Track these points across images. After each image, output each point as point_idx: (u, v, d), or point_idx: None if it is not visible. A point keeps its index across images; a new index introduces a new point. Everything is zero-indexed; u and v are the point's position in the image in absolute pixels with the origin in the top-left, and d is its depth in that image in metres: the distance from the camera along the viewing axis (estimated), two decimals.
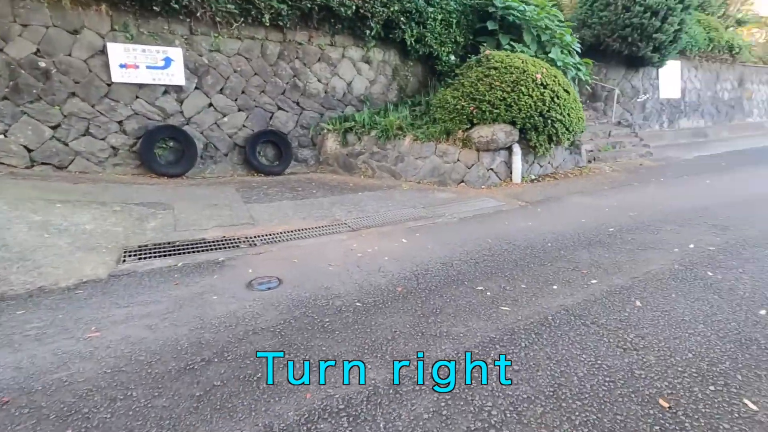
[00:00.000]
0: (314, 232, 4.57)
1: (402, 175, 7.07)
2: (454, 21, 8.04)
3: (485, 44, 7.78)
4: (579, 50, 8.45)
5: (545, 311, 2.84)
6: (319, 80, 7.61)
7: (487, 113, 6.61)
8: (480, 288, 3.20)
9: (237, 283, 3.31)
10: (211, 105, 6.75)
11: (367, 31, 7.48)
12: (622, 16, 9.70)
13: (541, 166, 7.41)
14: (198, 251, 3.95)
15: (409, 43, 7.76)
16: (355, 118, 7.54)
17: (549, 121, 6.73)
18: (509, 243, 4.20)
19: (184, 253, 3.89)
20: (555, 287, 3.20)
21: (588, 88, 10.30)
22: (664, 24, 9.60)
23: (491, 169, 6.78)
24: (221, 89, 6.79)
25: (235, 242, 4.20)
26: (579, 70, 8.12)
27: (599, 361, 2.29)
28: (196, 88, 6.60)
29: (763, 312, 2.80)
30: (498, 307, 2.90)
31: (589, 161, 8.49)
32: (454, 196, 6.16)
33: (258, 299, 3.05)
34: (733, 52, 12.95)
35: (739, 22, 13.52)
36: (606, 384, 2.11)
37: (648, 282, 3.27)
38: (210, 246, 4.08)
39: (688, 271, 3.46)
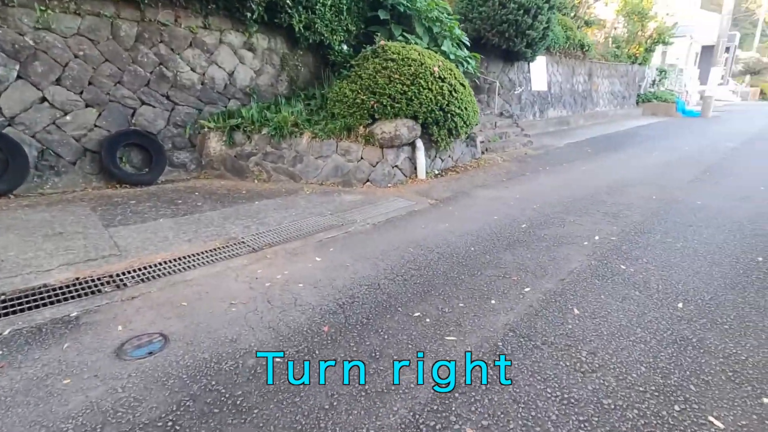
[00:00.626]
0: (205, 259, 3.72)
1: (302, 177, 6.40)
2: (345, 7, 7.51)
3: (378, 34, 7.42)
4: (468, 43, 8.62)
5: (493, 336, 2.57)
6: (193, 69, 6.45)
7: (389, 108, 6.29)
8: (417, 314, 2.82)
9: (101, 352, 2.41)
10: (44, 99, 5.22)
11: (248, 14, 6.54)
12: (499, 12, 10.19)
13: (442, 161, 7.39)
14: (37, 306, 2.86)
15: (297, 29, 7.01)
16: (242, 114, 6.58)
17: (449, 115, 6.68)
18: (432, 251, 3.91)
19: (12, 312, 2.78)
20: (493, 302, 2.98)
21: (475, 81, 10.70)
22: (535, 21, 10.37)
23: (396, 166, 6.50)
24: (58, 79, 5.28)
25: (95, 285, 3.17)
26: (469, 63, 8.28)
27: (566, 394, 2.07)
28: (20, 77, 5.02)
29: (680, 305, 2.92)
30: (443, 338, 2.54)
31: (483, 152, 8.80)
32: (362, 198, 5.73)
33: (135, 374, 2.23)
34: (584, 49, 14.78)
35: (587, 23, 15.51)
36: (584, 427, 1.88)
37: (576, 284, 3.24)
38: (56, 296, 3.00)
39: (605, 267, 3.55)
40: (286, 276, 3.41)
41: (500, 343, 2.49)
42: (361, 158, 6.38)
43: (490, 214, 5.06)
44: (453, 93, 6.70)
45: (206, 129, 6.53)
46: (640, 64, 19.47)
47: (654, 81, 20.75)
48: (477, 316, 2.80)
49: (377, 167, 6.36)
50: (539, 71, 13.20)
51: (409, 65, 6.46)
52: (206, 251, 3.86)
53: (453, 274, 3.42)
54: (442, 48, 7.68)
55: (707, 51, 33.54)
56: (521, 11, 10.13)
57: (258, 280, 3.33)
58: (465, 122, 7.04)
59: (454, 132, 6.93)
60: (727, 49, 33.19)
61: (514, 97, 12.40)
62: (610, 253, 3.82)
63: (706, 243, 4.06)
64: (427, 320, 2.75)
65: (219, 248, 3.94)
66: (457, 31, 8.12)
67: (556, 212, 5.08)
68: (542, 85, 13.45)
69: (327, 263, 3.67)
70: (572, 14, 15.05)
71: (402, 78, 6.36)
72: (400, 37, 7.48)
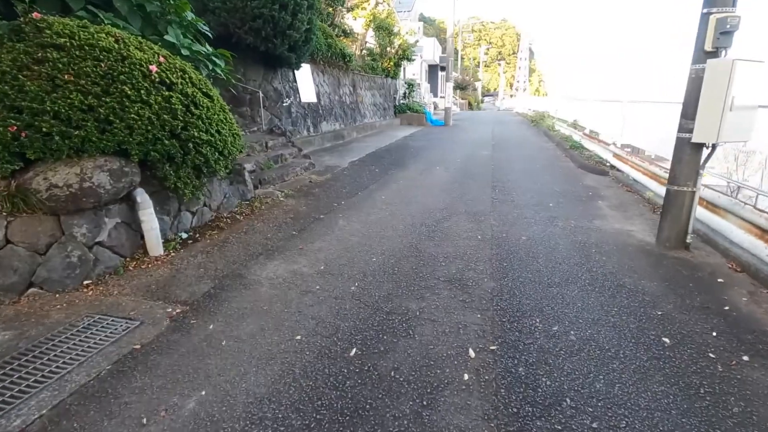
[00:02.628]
0: None
1: None
2: None
3: (28, 1, 4.08)
4: (210, 35, 6.07)
5: None
6: None
7: (58, 138, 3.26)
8: None
9: None
10: None
11: None
12: (249, 4, 8.00)
13: (194, 215, 4.71)
14: None
15: None
16: None
17: (191, 145, 4.08)
18: None
19: None
20: None
21: (231, 90, 8.19)
22: (295, 20, 8.63)
23: (99, 243, 3.52)
24: None
25: None
26: (216, 64, 5.77)
27: None
28: None
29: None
30: None
31: (256, 186, 6.47)
32: (14, 333, 2.60)
33: None
34: (346, 60, 14.18)
35: (345, 33, 15.00)
36: None
37: None
38: None
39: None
40: None
41: None
42: (8, 242, 3.12)
43: (289, 329, 2.84)
44: (192, 108, 4.13)
45: None
46: (392, 77, 20.70)
47: (405, 93, 22.59)
48: None
49: (50, 255, 3.24)
50: (306, 81, 11.68)
51: (98, 59, 3.56)
52: None
53: None
54: (167, 38, 4.93)
55: (432, 69, 40.25)
56: (276, 5, 8.20)
57: None
58: (221, 152, 4.57)
59: (204, 169, 4.37)
60: (443, 68, 40.72)
61: (282, 110, 10.46)
62: (498, 378, 2.20)
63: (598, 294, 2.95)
64: None
65: None
66: (190, 16, 5.48)
67: (389, 296, 3.27)
68: (311, 96, 12.00)
69: None
70: (329, 22, 14.20)
71: (84, 81, 3.41)
72: (81, 13, 4.33)
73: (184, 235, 4.39)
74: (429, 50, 35.25)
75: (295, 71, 10.98)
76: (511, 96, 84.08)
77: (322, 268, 3.80)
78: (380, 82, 19.21)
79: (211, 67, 5.62)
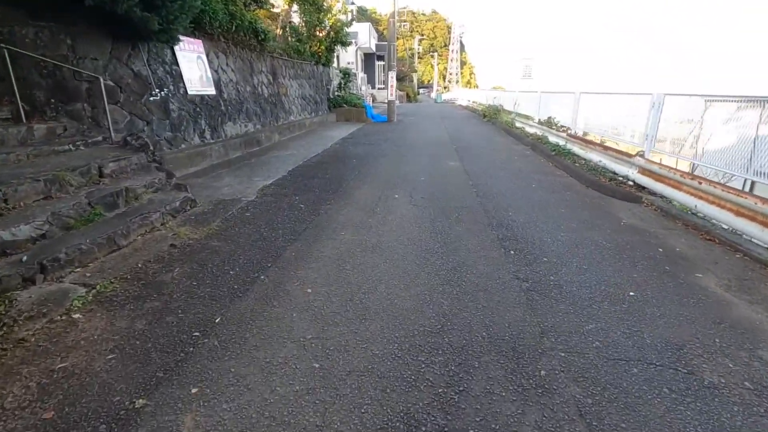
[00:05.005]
0: None
1: None
2: None
3: None
4: None
5: None
6: None
7: None
8: None
9: None
10: None
11: None
12: None
13: None
14: None
15: None
16: None
17: None
18: None
19: None
20: None
21: (46, 71, 4.51)
22: None
23: None
24: None
25: None
26: None
27: None
28: None
29: None
30: None
31: (31, 281, 2.97)
32: None
33: None
34: (260, 38, 10.58)
35: (258, 3, 11.29)
36: None
37: None
38: None
39: None
40: None
41: None
42: None
43: None
44: None
45: None
46: (323, 64, 17.26)
47: (340, 84, 19.23)
48: None
49: None
50: (194, 63, 8.01)
51: None
52: None
53: None
54: None
55: (369, 58, 37.02)
56: None
57: None
58: None
59: None
60: (380, 57, 37.63)
61: (152, 108, 6.77)
62: None
63: None
64: None
65: None
66: None
67: None
68: (205, 86, 8.35)
69: None
70: None
71: None
72: None
73: None
74: (364, 36, 32.01)
75: (174, 48, 7.29)
76: (445, 88, 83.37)
77: None
78: (310, 69, 15.70)
79: None
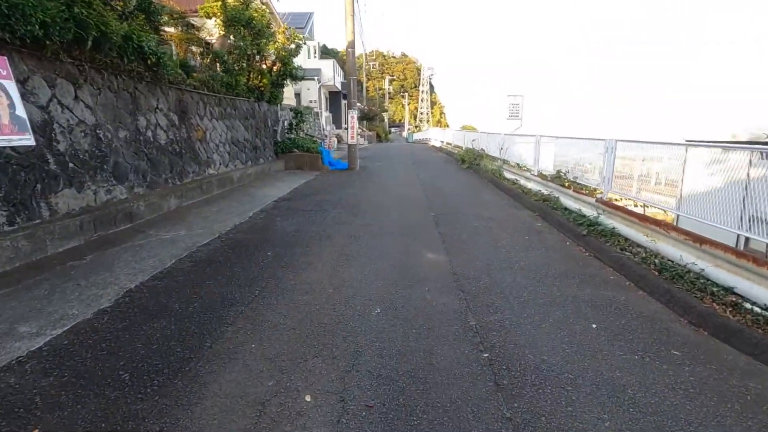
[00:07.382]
0: None
1: None
2: None
3: None
4: None
5: None
6: None
7: None
8: None
9: None
10: None
11: None
12: None
13: None
14: None
15: None
16: None
17: None
18: None
19: None
20: None
21: None
22: None
23: None
24: None
25: None
26: None
27: None
28: None
29: None
30: None
31: None
32: None
33: None
34: (150, 62, 7.30)
35: (151, 17, 7.99)
36: None
37: None
38: None
39: None
40: None
41: None
42: None
43: None
44: None
45: None
46: (269, 101, 14.12)
47: (291, 125, 16.07)
48: None
49: None
50: None
51: None
52: None
53: None
54: None
55: (334, 96, 34.54)
56: None
57: None
58: None
59: None
60: (344, 96, 35.36)
61: None
62: None
63: None
64: None
65: None
66: None
67: None
68: (6, 132, 4.84)
69: None
70: None
71: None
72: None
73: None
74: (329, 72, 29.58)
75: None
76: (416, 127, 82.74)
77: None
78: (247, 108, 12.48)
79: None
